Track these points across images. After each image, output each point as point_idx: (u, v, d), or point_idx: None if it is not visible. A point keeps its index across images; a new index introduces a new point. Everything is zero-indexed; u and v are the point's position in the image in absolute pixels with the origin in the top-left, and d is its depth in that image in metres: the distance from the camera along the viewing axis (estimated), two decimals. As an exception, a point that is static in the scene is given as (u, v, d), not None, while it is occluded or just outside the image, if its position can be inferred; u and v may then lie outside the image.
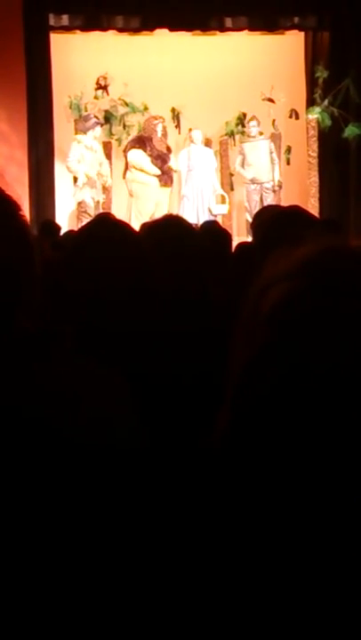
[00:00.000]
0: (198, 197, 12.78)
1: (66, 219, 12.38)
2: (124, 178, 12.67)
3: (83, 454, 1.32)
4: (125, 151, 12.77)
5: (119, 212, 11.36)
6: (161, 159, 12.60)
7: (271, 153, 13.01)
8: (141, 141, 12.68)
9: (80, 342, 1.94)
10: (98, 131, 12.49)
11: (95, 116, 12.65)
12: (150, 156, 12.56)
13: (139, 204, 12.31)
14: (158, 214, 11.45)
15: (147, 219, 10.63)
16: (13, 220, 1.59)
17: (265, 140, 13.05)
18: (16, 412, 1.35)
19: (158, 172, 12.55)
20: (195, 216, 12.17)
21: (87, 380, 1.45)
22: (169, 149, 12.89)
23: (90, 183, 12.21)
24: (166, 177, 12.66)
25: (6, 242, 1.57)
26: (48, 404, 1.37)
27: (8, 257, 1.56)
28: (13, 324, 1.52)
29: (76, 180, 12.32)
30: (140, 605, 0.82)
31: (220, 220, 11.70)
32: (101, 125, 12.66)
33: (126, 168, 12.67)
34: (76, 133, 12.63)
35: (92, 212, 11.65)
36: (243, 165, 13.01)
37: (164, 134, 12.84)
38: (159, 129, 12.70)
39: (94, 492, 1.27)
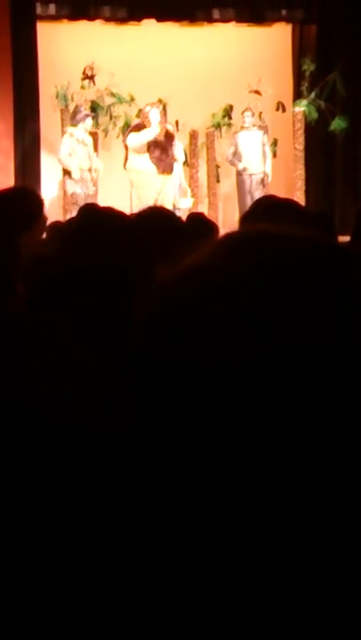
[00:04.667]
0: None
1: (51, 209, 12.32)
2: (125, 168, 12.53)
3: (76, 454, 1.30)
4: (125, 142, 12.63)
5: (108, 203, 11.23)
6: (159, 147, 12.42)
7: (264, 145, 12.92)
8: (138, 127, 12.46)
9: (75, 329, 1.91)
10: (89, 123, 12.39)
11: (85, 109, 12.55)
12: (147, 144, 12.31)
13: (139, 194, 12.14)
14: (160, 203, 11.35)
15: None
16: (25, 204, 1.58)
17: (258, 132, 12.99)
18: (6, 407, 1.32)
19: (151, 136, 12.30)
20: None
21: (82, 372, 1.43)
22: (169, 136, 12.53)
23: (81, 177, 12.12)
24: (164, 164, 12.36)
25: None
26: (40, 399, 1.35)
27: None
28: (10, 303, 1.49)
29: (66, 172, 12.20)
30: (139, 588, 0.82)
31: (184, 213, 11.63)
32: (93, 118, 12.56)
33: (126, 159, 12.54)
34: (63, 123, 12.56)
35: (82, 204, 11.56)
36: (234, 156, 12.96)
37: (162, 120, 12.46)
38: (153, 116, 12.40)
39: (88, 493, 1.25)
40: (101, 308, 1.97)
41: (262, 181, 12.74)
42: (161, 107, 12.54)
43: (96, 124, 12.84)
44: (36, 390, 1.36)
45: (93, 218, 2.25)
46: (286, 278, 0.72)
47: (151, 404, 0.73)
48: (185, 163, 12.94)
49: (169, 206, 11.34)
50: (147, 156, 12.25)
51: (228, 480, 0.70)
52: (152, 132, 12.20)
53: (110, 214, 2.23)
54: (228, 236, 0.80)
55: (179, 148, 12.65)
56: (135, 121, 12.83)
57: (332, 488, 0.69)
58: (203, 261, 0.75)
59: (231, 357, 0.69)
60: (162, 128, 12.41)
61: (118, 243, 2.05)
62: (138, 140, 12.25)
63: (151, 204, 10.96)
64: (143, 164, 12.26)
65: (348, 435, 0.69)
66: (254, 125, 12.98)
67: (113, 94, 12.90)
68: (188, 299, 0.73)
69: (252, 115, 12.96)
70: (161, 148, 12.35)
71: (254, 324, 0.70)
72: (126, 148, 12.50)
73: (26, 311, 1.53)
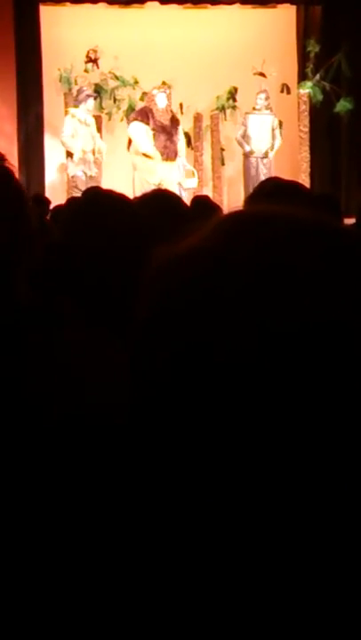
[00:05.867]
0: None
1: (55, 193, 12.31)
2: (128, 150, 12.53)
3: (83, 439, 1.31)
4: (129, 123, 12.63)
5: (112, 186, 11.19)
6: (165, 132, 12.40)
7: (274, 130, 12.93)
8: (144, 113, 12.42)
9: (79, 313, 1.92)
10: (90, 104, 12.38)
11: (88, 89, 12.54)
12: (153, 129, 12.37)
13: (142, 178, 12.09)
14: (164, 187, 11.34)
15: None
16: (9, 183, 1.56)
17: (270, 116, 12.97)
18: (16, 394, 1.32)
19: (151, 150, 12.34)
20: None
21: (88, 357, 1.42)
22: (175, 121, 12.60)
23: (83, 159, 12.12)
24: (169, 151, 12.39)
25: (2, 203, 1.53)
26: (48, 387, 1.35)
27: (4, 218, 1.51)
28: (13, 291, 1.48)
29: (69, 154, 12.21)
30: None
31: (190, 193, 11.61)
32: (95, 98, 12.55)
33: (130, 141, 12.52)
34: (66, 107, 12.55)
35: (83, 187, 11.52)
36: (244, 137, 12.92)
37: (169, 104, 12.51)
38: (159, 99, 12.41)
39: (91, 477, 1.26)
40: (101, 290, 1.96)
41: (263, 159, 12.70)
42: (168, 90, 12.52)
43: (100, 108, 12.84)
44: (43, 379, 1.36)
45: (93, 201, 2.25)
46: (285, 259, 0.70)
47: (149, 386, 0.72)
48: (189, 146, 12.93)
49: (173, 188, 11.33)
50: (151, 141, 12.23)
51: (228, 467, 0.69)
52: (149, 148, 12.20)
53: (111, 197, 2.23)
54: (227, 216, 0.78)
55: (181, 134, 12.66)
56: (139, 104, 12.80)
57: (335, 482, 0.68)
58: (201, 242, 0.74)
59: (227, 340, 0.68)
60: (168, 112, 12.39)
61: (117, 226, 2.05)
62: (138, 138, 12.22)
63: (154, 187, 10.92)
64: (147, 148, 12.23)
65: (352, 423, 0.68)
66: (267, 108, 12.95)
67: (116, 77, 12.90)
68: (186, 281, 0.72)
69: (266, 97, 12.92)
70: (167, 134, 12.33)
71: (252, 305, 0.69)
72: None
73: (29, 300, 1.54)
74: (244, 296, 0.69)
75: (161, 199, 3.04)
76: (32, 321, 1.45)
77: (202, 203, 5.78)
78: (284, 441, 0.67)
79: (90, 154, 12.14)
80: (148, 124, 12.33)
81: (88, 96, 12.35)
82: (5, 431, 1.29)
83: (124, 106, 12.98)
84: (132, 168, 12.33)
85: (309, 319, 0.68)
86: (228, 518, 0.69)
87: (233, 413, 0.68)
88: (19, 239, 1.53)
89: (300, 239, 0.72)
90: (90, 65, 12.91)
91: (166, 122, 12.39)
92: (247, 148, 12.82)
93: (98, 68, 12.93)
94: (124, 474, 1.20)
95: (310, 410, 0.67)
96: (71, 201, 6.58)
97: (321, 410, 0.67)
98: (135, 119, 12.44)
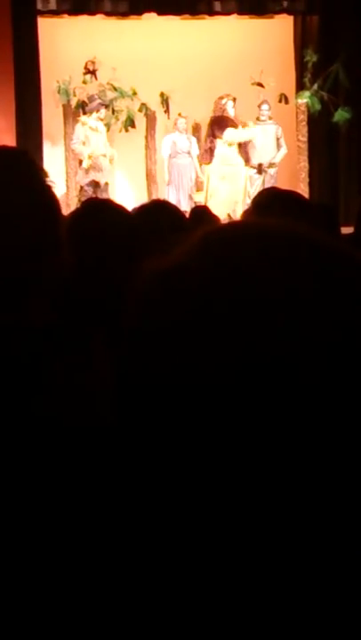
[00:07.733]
0: (180, 184, 12.75)
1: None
2: (207, 162, 12.65)
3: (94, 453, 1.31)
4: (209, 135, 12.75)
5: (122, 195, 11.25)
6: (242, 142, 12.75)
7: (278, 139, 12.98)
8: (223, 123, 12.66)
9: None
10: (103, 112, 12.50)
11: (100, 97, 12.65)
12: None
13: (228, 187, 12.27)
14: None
15: (240, 202, 10.64)
16: (41, 191, 1.48)
17: (273, 125, 13.01)
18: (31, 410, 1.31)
19: (242, 162, 12.56)
20: (176, 203, 12.06)
21: (97, 385, 1.41)
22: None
23: (94, 166, 12.16)
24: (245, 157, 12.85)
25: (28, 211, 1.42)
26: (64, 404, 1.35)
27: (29, 230, 1.40)
28: (26, 313, 1.41)
29: (80, 162, 12.29)
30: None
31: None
32: (106, 107, 12.61)
33: (211, 153, 12.64)
34: (65, 119, 12.60)
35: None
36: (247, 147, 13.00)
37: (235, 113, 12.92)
38: (229, 107, 12.72)
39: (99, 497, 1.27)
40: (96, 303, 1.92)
41: (260, 169, 12.77)
42: (234, 99, 12.81)
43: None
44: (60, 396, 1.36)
45: (88, 213, 2.28)
46: (269, 277, 0.69)
47: (134, 402, 0.71)
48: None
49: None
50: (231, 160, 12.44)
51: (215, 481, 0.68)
52: (250, 132, 12.54)
53: (105, 208, 2.26)
54: (212, 231, 0.77)
55: (193, 143, 12.82)
56: (138, 115, 12.84)
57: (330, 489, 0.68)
58: (186, 258, 0.73)
59: (209, 357, 0.67)
60: (236, 121, 12.72)
61: (111, 237, 2.06)
62: (236, 136, 12.46)
63: (241, 197, 11.15)
64: (233, 158, 12.52)
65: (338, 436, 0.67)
66: (270, 118, 12.99)
67: (115, 88, 12.90)
68: (169, 298, 0.71)
69: (270, 108, 12.98)
70: (242, 143, 12.59)
71: (235, 323, 0.68)
72: (212, 141, 12.68)
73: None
74: (228, 314, 0.68)
75: (159, 210, 3.05)
76: (48, 346, 1.38)
77: (200, 214, 5.79)
78: (268, 456, 0.67)
79: (102, 159, 12.17)
80: None
81: (101, 105, 12.45)
82: (12, 457, 1.30)
83: (123, 117, 12.99)
84: (220, 178, 12.43)
85: (292, 338, 0.67)
86: (225, 519, 0.68)
87: (219, 430, 0.67)
88: (42, 251, 1.43)
89: (287, 256, 0.71)
90: (88, 76, 12.92)
91: None
92: (254, 161, 12.87)
93: (96, 79, 12.94)
94: (124, 478, 1.17)
95: (293, 429, 0.66)
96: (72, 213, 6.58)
97: (306, 430, 0.66)
98: (224, 127, 12.65)
